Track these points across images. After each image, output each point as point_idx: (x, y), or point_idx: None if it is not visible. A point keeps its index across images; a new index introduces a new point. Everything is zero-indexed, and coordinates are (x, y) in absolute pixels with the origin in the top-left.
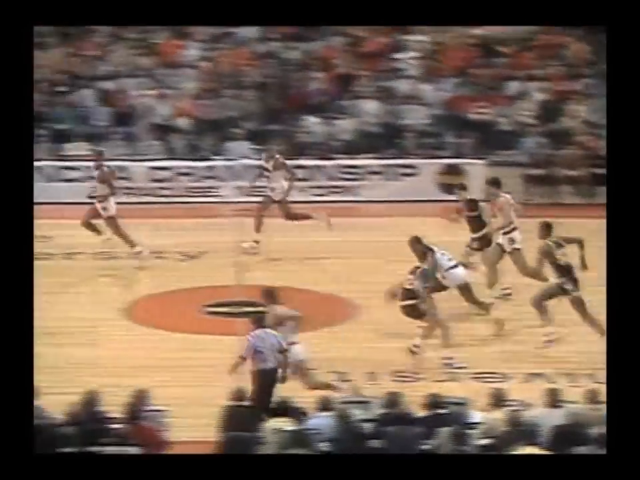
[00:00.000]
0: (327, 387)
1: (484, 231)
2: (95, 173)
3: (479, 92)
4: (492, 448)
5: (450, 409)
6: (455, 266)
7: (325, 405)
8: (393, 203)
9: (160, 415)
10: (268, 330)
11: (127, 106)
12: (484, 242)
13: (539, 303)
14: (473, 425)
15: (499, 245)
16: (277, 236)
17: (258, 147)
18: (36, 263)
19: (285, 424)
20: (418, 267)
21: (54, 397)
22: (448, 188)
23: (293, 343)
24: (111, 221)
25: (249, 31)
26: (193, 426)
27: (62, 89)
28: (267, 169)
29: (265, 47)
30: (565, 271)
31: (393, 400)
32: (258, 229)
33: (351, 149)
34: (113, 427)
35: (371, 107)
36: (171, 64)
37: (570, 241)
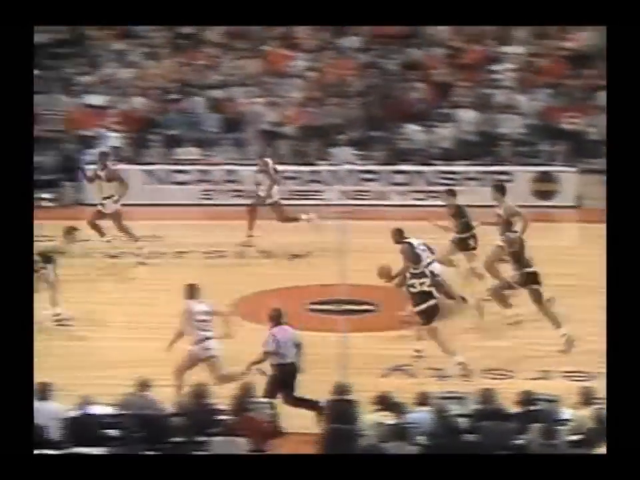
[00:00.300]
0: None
1: (467, 234)
2: (102, 173)
3: (571, 102)
4: (580, 444)
5: (541, 405)
6: (433, 261)
7: (423, 401)
8: (488, 207)
9: (266, 406)
10: (286, 327)
11: (236, 113)
12: (464, 244)
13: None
14: (563, 422)
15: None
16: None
17: (361, 152)
18: (147, 262)
19: (385, 418)
20: (415, 268)
21: (165, 389)
22: (541, 194)
23: (207, 338)
24: (115, 216)
25: (352, 41)
26: (297, 418)
27: (174, 96)
28: (261, 171)
29: (368, 57)
30: (525, 262)
31: (487, 396)
32: (251, 227)
33: (449, 155)
34: (221, 418)
35: (468, 115)
36: (279, 73)
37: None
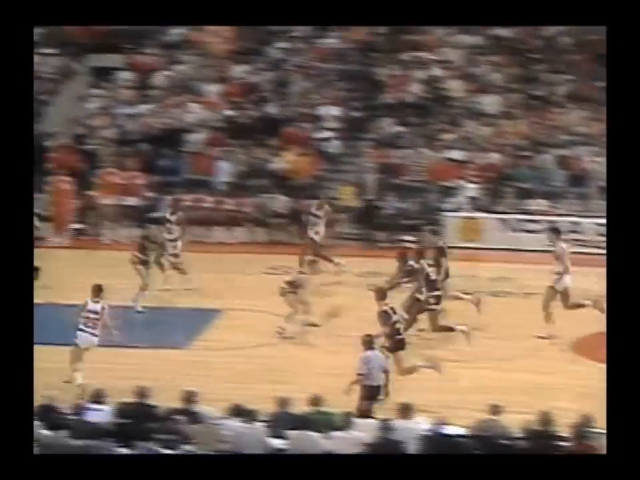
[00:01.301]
0: None
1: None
2: (173, 218)
3: None
4: None
5: None
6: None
7: None
8: None
9: (600, 436)
10: (376, 352)
11: (580, 169)
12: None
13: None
14: None
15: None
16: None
17: None
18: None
19: None
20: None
21: (512, 416)
22: None
23: (89, 334)
24: (177, 258)
25: None
26: None
27: (526, 153)
28: (316, 215)
29: None
30: (433, 285)
31: None
32: (302, 264)
33: None
34: (562, 444)
35: None
36: None
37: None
